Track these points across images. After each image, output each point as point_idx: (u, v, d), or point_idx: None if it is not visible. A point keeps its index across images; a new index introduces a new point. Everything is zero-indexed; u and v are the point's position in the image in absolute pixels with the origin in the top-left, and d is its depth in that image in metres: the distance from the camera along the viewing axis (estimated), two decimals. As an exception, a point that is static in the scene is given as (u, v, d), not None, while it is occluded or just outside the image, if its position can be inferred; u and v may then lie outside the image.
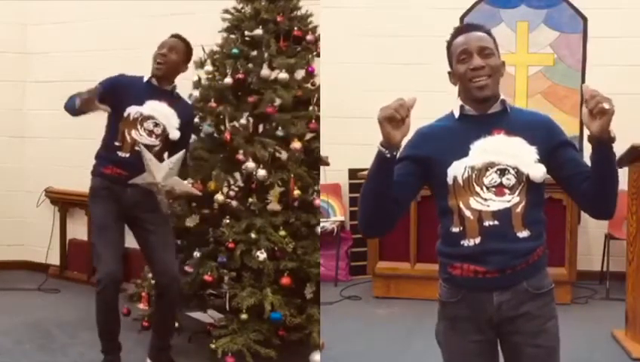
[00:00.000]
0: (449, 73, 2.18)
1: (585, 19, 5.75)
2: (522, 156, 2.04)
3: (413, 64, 5.87)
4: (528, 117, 2.17)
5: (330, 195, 5.80)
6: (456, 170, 2.06)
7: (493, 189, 2.04)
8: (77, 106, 3.35)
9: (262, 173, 3.83)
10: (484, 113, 2.12)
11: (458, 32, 2.15)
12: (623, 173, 4.07)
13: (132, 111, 3.51)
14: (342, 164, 5.61)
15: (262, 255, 3.72)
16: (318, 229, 4.01)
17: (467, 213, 2.06)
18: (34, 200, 5.73)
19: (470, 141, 2.07)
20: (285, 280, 3.74)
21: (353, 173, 5.75)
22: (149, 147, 3.50)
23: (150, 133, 3.53)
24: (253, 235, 3.77)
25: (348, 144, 5.75)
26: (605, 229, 5.49)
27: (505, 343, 2.16)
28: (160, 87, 3.60)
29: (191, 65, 4.09)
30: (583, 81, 5.74)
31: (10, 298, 5.16)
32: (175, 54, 3.60)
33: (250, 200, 3.92)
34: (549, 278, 2.15)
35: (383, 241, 5.33)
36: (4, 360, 3.94)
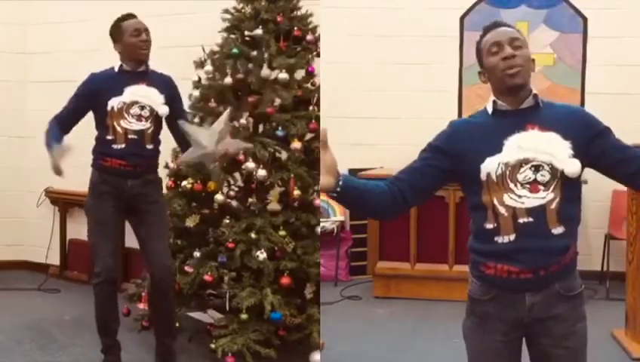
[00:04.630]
0: (479, 73, 2.18)
1: (585, 19, 5.75)
2: (556, 152, 2.03)
3: (413, 64, 5.88)
4: (561, 110, 2.14)
5: (330, 195, 5.80)
6: (490, 166, 2.05)
7: (528, 186, 2.03)
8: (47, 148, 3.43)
9: (262, 173, 3.83)
10: (517, 108, 2.10)
11: (487, 29, 2.15)
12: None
13: (114, 103, 3.51)
14: (342, 164, 5.53)
15: (262, 255, 3.72)
16: (318, 229, 4.01)
17: (501, 209, 2.05)
18: (34, 200, 5.73)
19: (504, 137, 2.05)
20: (285, 280, 3.74)
21: (353, 173, 5.74)
22: (141, 132, 3.52)
23: (139, 117, 3.52)
24: (253, 235, 3.77)
25: (348, 144, 5.75)
26: (605, 229, 5.49)
27: (533, 344, 2.16)
28: (134, 70, 3.57)
29: (191, 65, 4.09)
30: (583, 80, 5.75)
31: (10, 298, 5.16)
32: (149, 34, 3.57)
33: (250, 200, 3.93)
34: (579, 280, 2.15)
35: (383, 241, 5.33)
36: (4, 360, 3.94)
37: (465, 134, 2.13)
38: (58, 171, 3.39)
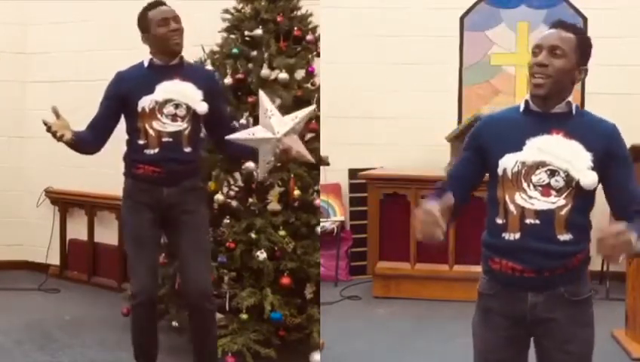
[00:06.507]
0: None
1: (585, 19, 5.75)
2: (575, 161, 2.05)
3: (413, 64, 5.87)
4: (592, 122, 2.16)
5: (330, 195, 5.80)
6: (508, 162, 2.09)
7: (540, 188, 2.06)
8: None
9: (262, 172, 3.83)
10: (547, 111, 2.12)
11: (550, 25, 2.18)
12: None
13: (145, 103, 3.14)
14: (342, 164, 5.60)
15: (262, 255, 3.72)
16: (318, 229, 4.01)
17: (511, 207, 2.08)
18: (34, 200, 5.73)
19: (527, 136, 2.09)
20: (285, 280, 3.74)
21: (353, 173, 5.74)
22: (177, 133, 3.15)
23: (174, 117, 3.15)
24: (253, 235, 3.77)
25: (348, 144, 5.75)
26: (605, 229, 5.48)
27: (537, 345, 2.18)
28: (166, 64, 3.21)
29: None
30: (583, 80, 5.72)
31: (10, 298, 5.16)
32: (180, 22, 3.20)
33: (250, 200, 3.93)
34: (588, 285, 2.19)
35: (383, 241, 5.33)
36: (4, 360, 3.94)
37: (492, 128, 2.19)
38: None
